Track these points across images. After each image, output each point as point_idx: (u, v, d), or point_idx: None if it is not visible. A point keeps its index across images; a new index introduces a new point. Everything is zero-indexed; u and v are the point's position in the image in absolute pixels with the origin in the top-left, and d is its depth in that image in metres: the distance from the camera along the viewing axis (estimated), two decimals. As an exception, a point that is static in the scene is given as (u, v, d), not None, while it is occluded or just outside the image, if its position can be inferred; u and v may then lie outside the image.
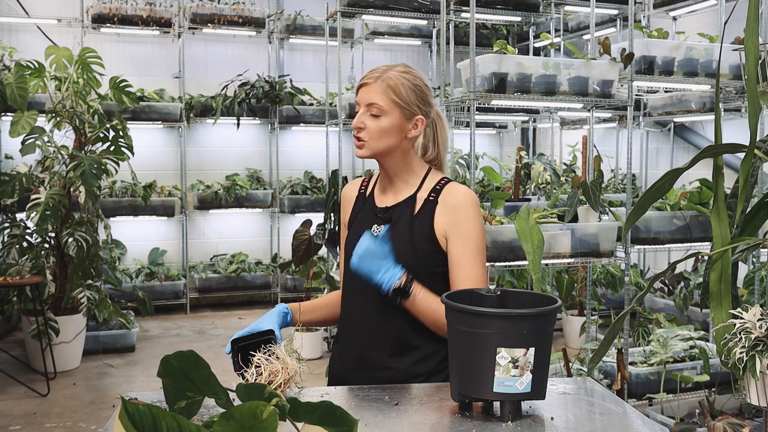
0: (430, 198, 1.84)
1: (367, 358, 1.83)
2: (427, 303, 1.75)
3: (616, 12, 5.97)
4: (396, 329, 1.81)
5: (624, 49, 3.71)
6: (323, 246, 5.43)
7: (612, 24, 6.45)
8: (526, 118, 7.27)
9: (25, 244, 5.31)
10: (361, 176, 2.04)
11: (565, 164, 6.82)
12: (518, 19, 5.51)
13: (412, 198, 1.86)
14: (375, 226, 1.86)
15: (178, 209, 7.22)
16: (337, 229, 5.31)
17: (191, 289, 7.35)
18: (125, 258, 7.26)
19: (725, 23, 2.11)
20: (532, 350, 1.41)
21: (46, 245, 5.32)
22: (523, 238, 3.07)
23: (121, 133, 5.35)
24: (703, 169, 4.41)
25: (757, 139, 1.86)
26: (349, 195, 2.00)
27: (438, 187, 1.86)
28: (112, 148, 5.35)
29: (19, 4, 6.88)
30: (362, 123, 1.81)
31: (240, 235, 7.76)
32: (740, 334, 1.64)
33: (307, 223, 5.45)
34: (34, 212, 4.87)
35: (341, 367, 1.91)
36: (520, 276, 5.36)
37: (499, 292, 1.57)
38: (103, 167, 5.17)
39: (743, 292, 4.39)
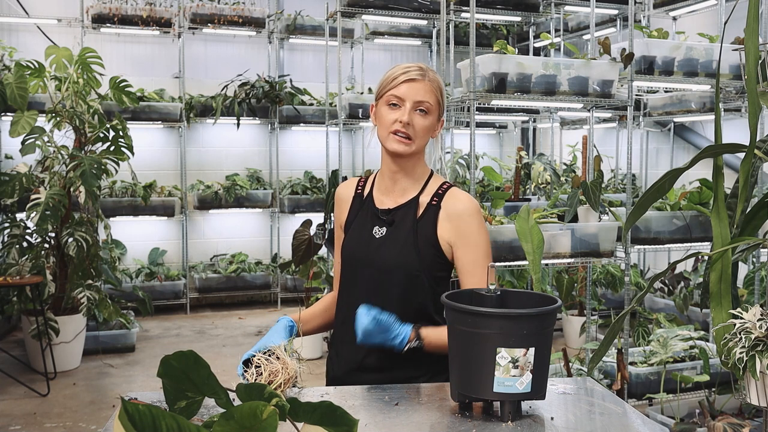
0: (433, 203, 1.84)
1: (370, 360, 1.83)
2: (438, 338, 1.74)
3: (616, 12, 5.97)
4: None
5: (624, 49, 3.71)
6: (323, 246, 5.43)
7: (612, 24, 6.45)
8: (526, 118, 7.27)
9: (25, 244, 5.31)
10: (360, 176, 2.02)
11: (565, 164, 6.82)
12: (518, 19, 5.51)
13: (415, 201, 1.85)
14: (376, 228, 1.85)
15: (178, 209, 7.22)
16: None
17: (191, 289, 7.35)
18: (125, 258, 7.26)
19: (725, 23, 2.11)
20: (532, 350, 1.41)
21: (46, 245, 5.32)
22: (523, 238, 3.07)
23: (121, 133, 5.34)
24: (703, 169, 4.41)
25: (757, 139, 1.86)
26: (344, 195, 1.97)
27: (440, 191, 1.85)
28: (112, 148, 5.35)
29: (19, 4, 6.88)
30: (410, 119, 1.79)
31: (240, 235, 7.76)
32: (740, 334, 1.64)
33: (307, 223, 5.45)
34: (34, 212, 4.87)
35: (341, 370, 1.89)
36: (520, 276, 5.36)
37: (499, 292, 1.57)
38: (103, 167, 5.16)
39: (743, 292, 4.39)
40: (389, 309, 1.78)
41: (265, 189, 7.52)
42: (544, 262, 3.45)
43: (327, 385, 1.93)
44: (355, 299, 1.84)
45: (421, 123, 1.79)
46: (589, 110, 4.28)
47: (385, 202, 1.88)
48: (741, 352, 1.62)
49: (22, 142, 5.07)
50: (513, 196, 4.46)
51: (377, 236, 1.84)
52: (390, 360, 1.80)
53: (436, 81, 1.82)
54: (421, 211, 1.83)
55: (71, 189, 5.10)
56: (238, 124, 7.17)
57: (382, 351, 1.80)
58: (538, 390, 1.44)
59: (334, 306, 1.97)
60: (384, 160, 1.88)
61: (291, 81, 7.50)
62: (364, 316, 1.70)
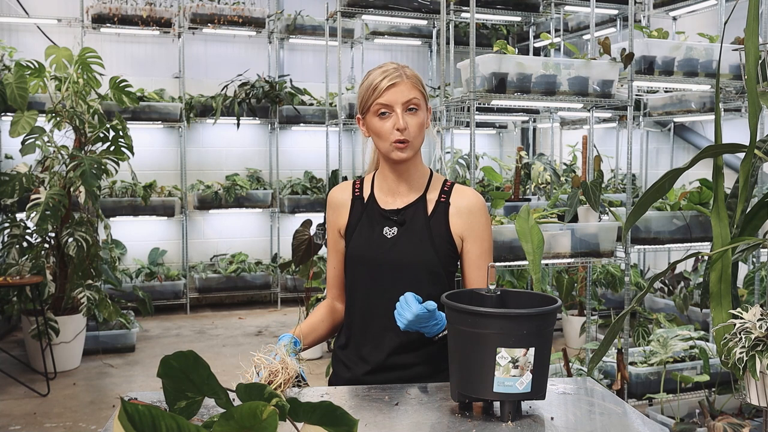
0: (441, 199, 1.86)
1: (394, 359, 1.83)
2: None
3: (616, 12, 5.97)
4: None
5: (624, 49, 3.71)
6: (323, 246, 5.43)
7: (612, 24, 6.45)
8: (526, 118, 7.27)
9: (25, 244, 5.31)
10: (354, 179, 2.02)
11: (565, 164, 6.82)
12: (518, 19, 5.51)
13: (422, 199, 1.86)
14: (386, 228, 1.86)
15: (178, 209, 7.22)
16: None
17: (191, 289, 7.35)
18: (125, 258, 7.26)
19: (725, 23, 2.11)
20: (532, 350, 1.41)
21: (46, 245, 5.32)
22: (523, 238, 3.07)
23: (121, 133, 5.34)
24: (703, 169, 4.41)
25: (757, 139, 1.86)
26: (340, 199, 1.95)
27: (446, 188, 1.88)
28: (112, 148, 5.35)
29: (19, 4, 6.88)
30: (405, 123, 1.77)
31: (240, 235, 7.76)
32: (740, 334, 1.64)
33: (307, 223, 5.45)
34: (34, 212, 4.86)
35: (358, 371, 1.88)
36: (520, 276, 5.36)
37: (499, 292, 1.57)
38: (103, 167, 5.16)
39: (743, 292, 4.39)
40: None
41: (265, 189, 7.51)
42: (544, 262, 3.45)
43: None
44: (374, 300, 1.84)
45: (414, 122, 1.79)
46: (589, 110, 4.28)
47: (390, 203, 1.88)
48: (741, 352, 1.62)
49: (22, 142, 5.07)
50: (513, 196, 4.46)
51: (389, 236, 1.85)
52: (414, 356, 1.82)
53: (414, 75, 1.82)
54: (431, 208, 1.86)
55: (71, 189, 5.10)
56: (238, 124, 7.17)
57: (406, 348, 1.81)
58: (538, 390, 1.44)
59: (332, 314, 1.96)
60: (385, 165, 1.87)
61: (291, 81, 7.50)
62: (413, 303, 1.67)
